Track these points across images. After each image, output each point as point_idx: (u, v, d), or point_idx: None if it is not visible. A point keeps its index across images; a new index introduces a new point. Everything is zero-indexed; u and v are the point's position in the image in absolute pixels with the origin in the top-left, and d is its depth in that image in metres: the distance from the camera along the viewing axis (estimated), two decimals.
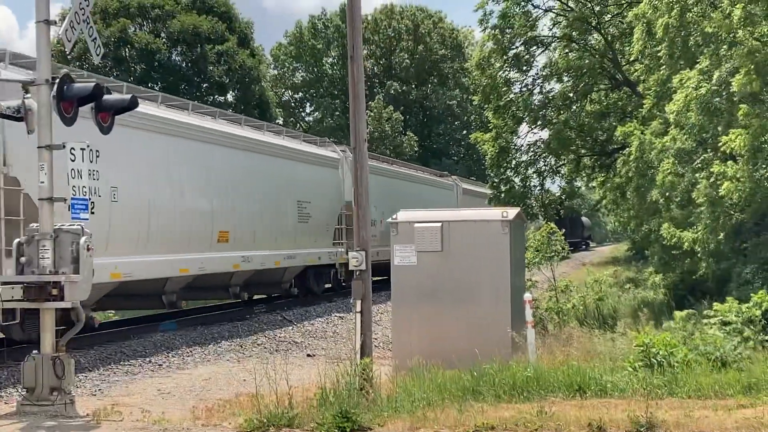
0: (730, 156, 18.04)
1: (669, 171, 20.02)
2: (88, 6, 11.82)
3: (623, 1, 33.22)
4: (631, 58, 29.00)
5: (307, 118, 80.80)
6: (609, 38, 34.81)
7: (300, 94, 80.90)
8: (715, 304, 15.65)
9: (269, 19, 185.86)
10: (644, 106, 24.30)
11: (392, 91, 72.12)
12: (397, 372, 13.41)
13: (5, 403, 12.55)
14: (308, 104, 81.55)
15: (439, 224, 14.67)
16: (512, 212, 14.93)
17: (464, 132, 74.00)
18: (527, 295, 14.71)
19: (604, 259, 64.10)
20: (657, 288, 27.13)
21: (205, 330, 20.41)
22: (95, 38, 12.14)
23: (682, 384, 11.49)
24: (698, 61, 19.59)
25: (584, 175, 40.15)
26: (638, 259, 47.12)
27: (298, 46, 77.46)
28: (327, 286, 29.29)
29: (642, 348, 12.60)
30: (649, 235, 26.15)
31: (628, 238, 55.63)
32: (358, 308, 12.58)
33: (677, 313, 17.11)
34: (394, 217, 15.06)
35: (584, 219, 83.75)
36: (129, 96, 12.42)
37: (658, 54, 21.95)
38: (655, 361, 12.34)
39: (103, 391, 13.81)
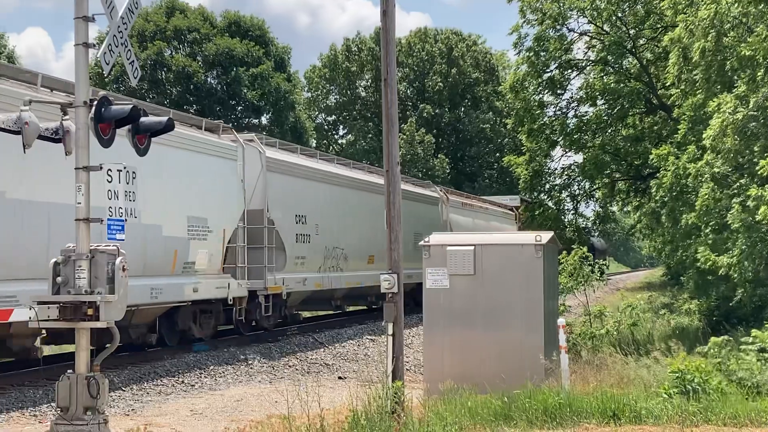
0: (767, 180, 17.89)
1: (708, 196, 19.88)
2: (126, 29, 11.96)
3: (659, 26, 33.12)
4: (667, 83, 28.89)
5: (340, 141, 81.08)
6: (644, 62, 34.71)
7: (333, 116, 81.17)
8: (753, 330, 15.48)
9: (301, 42, 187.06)
10: (679, 131, 24.18)
11: (425, 114, 72.18)
12: (428, 396, 13.37)
13: (39, 422, 12.64)
14: (341, 127, 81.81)
15: (472, 247, 14.65)
16: (546, 236, 14.89)
17: (497, 155, 73.84)
18: (561, 320, 14.64)
19: (638, 284, 63.67)
20: (692, 314, 26.90)
21: (237, 351, 20.45)
22: (133, 61, 12.26)
23: (718, 411, 11.38)
24: (735, 85, 19.48)
25: (619, 199, 39.94)
26: (673, 285, 46.74)
27: (332, 69, 77.81)
28: None
29: (677, 374, 12.50)
30: (685, 260, 25.95)
31: (663, 263, 55.22)
32: (390, 331, 12.57)
33: (713, 340, 16.94)
34: (426, 240, 15.05)
35: (597, 241, 68.22)
36: (165, 118, 12.51)
37: (694, 78, 21.85)
38: (690, 387, 12.24)
39: (136, 411, 13.87)
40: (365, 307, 31.63)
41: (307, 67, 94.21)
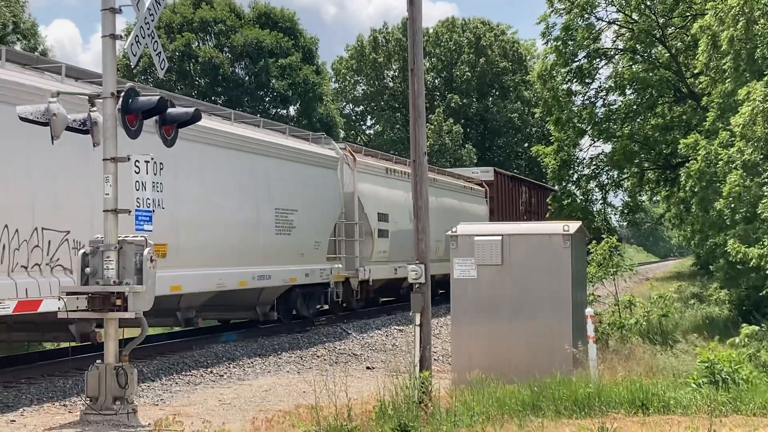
0: None
1: (737, 183, 19.71)
2: (153, 21, 12.00)
3: (688, 14, 32.85)
4: (696, 71, 28.65)
5: (367, 132, 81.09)
6: (673, 51, 34.45)
7: (361, 107, 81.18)
8: None
9: (328, 33, 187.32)
10: (708, 120, 23.98)
11: (453, 104, 72.02)
12: (456, 386, 13.36)
13: (69, 412, 12.74)
14: (369, 117, 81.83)
15: (500, 237, 14.60)
16: (573, 226, 14.82)
17: (525, 145, 73.59)
18: (589, 310, 14.58)
19: (668, 274, 63.33)
20: (722, 304, 26.71)
21: (265, 341, 20.52)
22: (160, 52, 12.31)
23: (748, 401, 11.30)
24: (765, 73, 19.27)
25: (648, 189, 39.70)
26: (703, 274, 46.43)
27: (359, 60, 77.78)
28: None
29: (706, 364, 12.42)
30: (714, 250, 25.77)
31: (693, 253, 54.85)
32: (418, 321, 12.57)
33: (743, 329, 16.82)
34: (453, 230, 15.02)
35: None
36: (192, 109, 12.56)
37: (723, 67, 21.66)
38: (719, 377, 12.16)
39: (165, 401, 13.94)
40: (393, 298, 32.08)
41: (334, 58, 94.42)
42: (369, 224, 26.61)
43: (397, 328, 24.70)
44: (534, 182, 49.89)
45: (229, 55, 56.77)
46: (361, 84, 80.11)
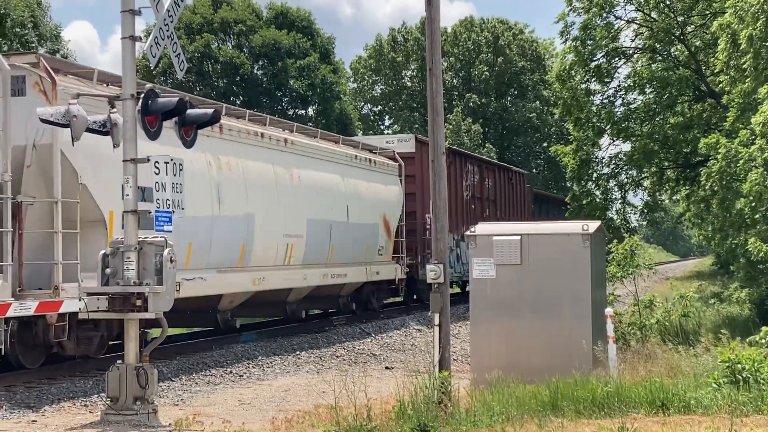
0: None
1: (757, 182, 19.61)
2: (172, 22, 12.05)
3: (707, 12, 32.69)
4: (716, 70, 28.51)
5: (385, 131, 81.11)
6: (693, 49, 34.29)
7: (379, 107, 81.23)
8: None
9: (344, 33, 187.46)
10: (728, 119, 23.87)
11: (471, 104, 71.94)
12: (475, 386, 13.35)
13: (90, 412, 12.80)
14: (387, 117, 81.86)
15: (519, 237, 14.59)
16: (593, 225, 14.78)
17: (544, 144, 73.44)
18: (609, 310, 14.53)
19: (688, 273, 63.07)
20: (742, 303, 26.57)
21: (284, 341, 20.57)
22: (179, 54, 12.36)
23: None
24: None
25: (668, 188, 39.52)
26: (723, 274, 46.22)
27: (377, 59, 77.82)
28: None
29: (727, 364, 12.35)
30: (735, 249, 25.64)
31: (713, 252, 54.57)
32: (437, 321, 12.57)
33: (764, 329, 16.72)
34: (472, 229, 15.02)
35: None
36: (211, 110, 12.61)
37: (743, 65, 21.55)
38: (740, 377, 12.08)
39: (185, 401, 13.99)
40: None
41: (351, 58, 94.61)
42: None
43: (415, 327, 24.71)
44: (491, 161, 41.21)
45: (248, 56, 56.90)
46: (380, 84, 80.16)
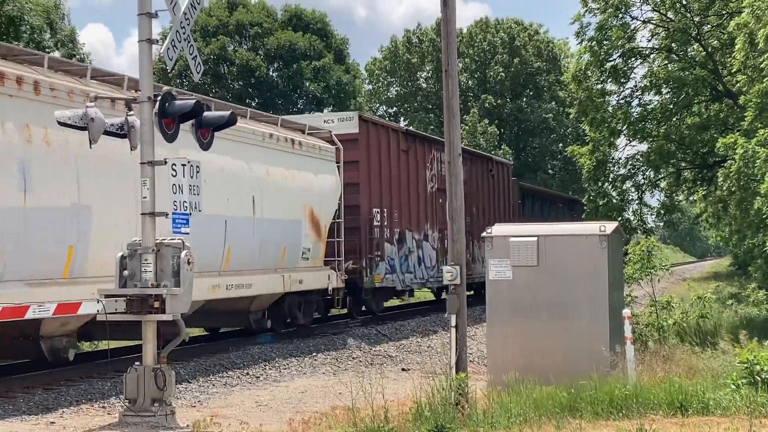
0: None
1: None
2: (188, 25, 12.09)
3: (724, 12, 32.56)
4: (733, 69, 28.39)
5: None
6: (709, 49, 34.15)
7: (394, 108, 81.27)
8: None
9: (358, 34, 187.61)
10: (746, 119, 23.77)
11: (487, 105, 71.88)
12: (492, 387, 13.33)
13: (108, 413, 12.85)
14: (402, 118, 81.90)
15: (535, 239, 14.56)
16: (610, 226, 14.74)
17: (560, 145, 73.29)
18: (626, 311, 14.49)
19: (705, 274, 62.83)
20: (760, 304, 26.46)
21: (301, 343, 20.58)
22: (195, 56, 12.40)
23: None
24: None
25: (685, 188, 39.39)
26: (740, 275, 46.04)
27: (392, 61, 77.87)
28: None
29: (745, 365, 12.29)
30: (753, 250, 25.53)
31: (730, 253, 54.35)
32: (453, 323, 12.56)
33: None
34: (488, 230, 15.00)
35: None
36: (228, 112, 12.64)
37: (761, 65, 21.46)
38: (759, 378, 12.03)
39: (203, 403, 14.03)
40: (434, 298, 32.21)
41: (365, 60, 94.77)
42: None
43: (432, 329, 24.69)
44: (465, 149, 30.89)
45: (264, 58, 57.05)
46: (395, 85, 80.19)
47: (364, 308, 26.18)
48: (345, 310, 25.68)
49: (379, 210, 25.25)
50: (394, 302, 30.93)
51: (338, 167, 22.67)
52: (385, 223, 25.64)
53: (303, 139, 21.50)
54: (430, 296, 34.09)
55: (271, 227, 19.35)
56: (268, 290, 19.62)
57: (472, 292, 31.21)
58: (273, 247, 19.65)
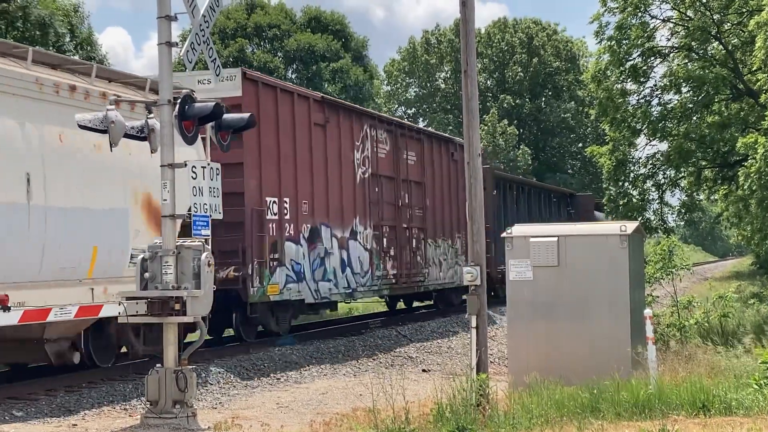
0: None
1: None
2: (208, 27, 12.13)
3: (744, 10, 32.39)
4: (753, 68, 28.24)
5: None
6: (729, 47, 33.98)
7: (413, 109, 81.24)
8: None
9: (377, 35, 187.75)
10: (766, 117, 23.63)
11: (506, 105, 71.76)
12: (513, 388, 13.30)
13: (130, 415, 12.89)
14: (421, 119, 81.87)
15: (555, 239, 14.52)
16: (631, 226, 14.69)
17: (580, 145, 73.07)
18: (647, 311, 14.42)
19: (726, 274, 62.50)
20: None
21: (321, 344, 20.59)
22: (215, 59, 12.44)
23: None
24: None
25: (705, 187, 39.21)
26: (762, 274, 45.76)
27: (411, 62, 77.86)
28: None
29: (767, 365, 12.23)
30: None
31: (752, 252, 54.04)
32: (474, 324, 12.54)
33: None
34: (509, 231, 14.98)
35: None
36: (248, 114, 12.67)
37: None
38: None
39: (224, 404, 14.06)
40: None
41: (383, 61, 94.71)
42: None
43: (452, 330, 24.66)
44: (415, 127, 29.74)
45: (282, 60, 57.19)
46: (413, 86, 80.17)
47: (262, 328, 20.27)
48: (232, 331, 20.41)
49: (276, 200, 18.99)
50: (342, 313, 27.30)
51: (203, 140, 13.84)
52: (287, 217, 19.36)
53: (142, 98, 14.69)
54: (382, 308, 30.01)
55: (67, 219, 13.43)
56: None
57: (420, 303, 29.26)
58: (72, 248, 13.60)
